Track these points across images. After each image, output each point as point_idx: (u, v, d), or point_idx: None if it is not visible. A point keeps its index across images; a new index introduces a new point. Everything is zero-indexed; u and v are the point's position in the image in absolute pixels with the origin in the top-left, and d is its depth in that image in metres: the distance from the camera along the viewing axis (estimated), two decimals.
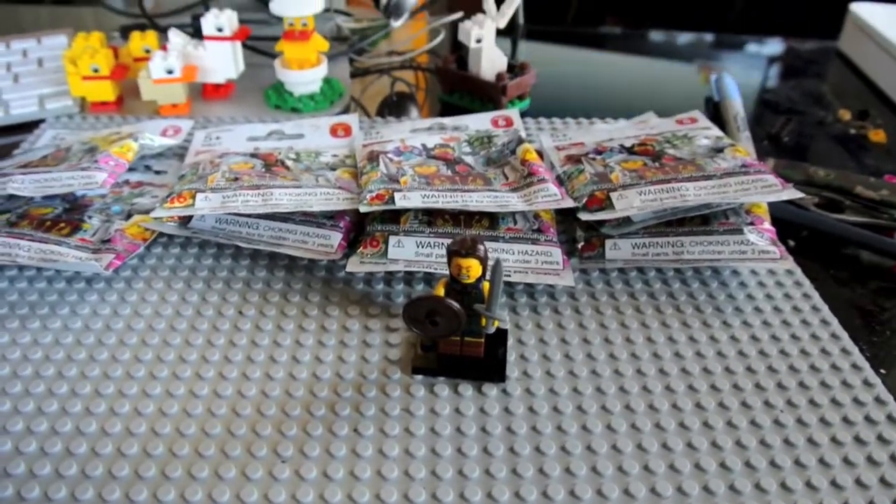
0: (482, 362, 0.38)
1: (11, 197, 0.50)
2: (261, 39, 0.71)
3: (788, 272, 0.45)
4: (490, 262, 0.35)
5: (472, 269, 0.35)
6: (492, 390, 0.37)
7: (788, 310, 0.43)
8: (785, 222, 0.48)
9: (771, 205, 0.47)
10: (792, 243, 0.49)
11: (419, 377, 0.38)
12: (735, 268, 0.46)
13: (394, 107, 0.69)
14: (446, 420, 0.36)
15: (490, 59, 0.62)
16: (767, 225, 0.44)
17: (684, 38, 0.89)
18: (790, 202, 0.49)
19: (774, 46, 0.84)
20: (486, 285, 0.36)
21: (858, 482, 0.33)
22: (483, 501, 0.32)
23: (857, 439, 0.35)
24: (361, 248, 0.44)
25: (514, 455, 0.34)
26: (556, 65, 0.79)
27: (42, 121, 0.62)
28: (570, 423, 0.36)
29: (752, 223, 0.44)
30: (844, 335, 0.41)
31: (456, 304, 0.35)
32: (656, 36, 0.90)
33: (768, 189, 0.43)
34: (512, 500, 0.32)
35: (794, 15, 0.94)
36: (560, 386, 0.37)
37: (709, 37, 0.87)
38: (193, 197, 0.45)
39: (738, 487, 0.33)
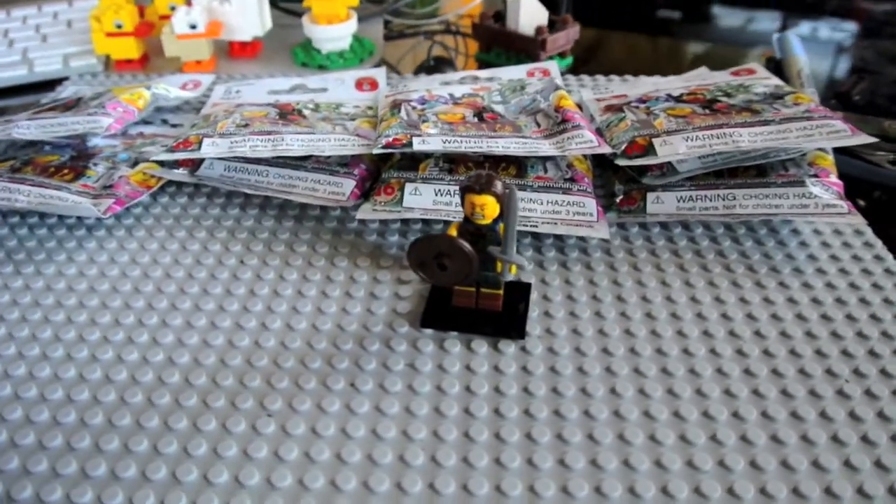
0: (500, 317, 0.34)
1: (22, 147, 0.48)
2: (292, 1, 0.69)
3: (857, 232, 0.40)
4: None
5: (488, 207, 0.31)
6: (509, 347, 0.33)
7: (857, 272, 0.37)
8: (855, 180, 0.43)
9: (840, 161, 0.42)
10: (862, 203, 0.43)
11: (429, 331, 0.34)
12: (795, 223, 0.40)
13: (431, 72, 0.65)
14: (455, 378, 0.32)
15: (529, 13, 0.57)
16: (834, 178, 0.39)
17: (747, 16, 0.82)
18: (861, 158, 0.44)
19: (848, 30, 0.77)
20: (503, 228, 0.32)
21: None
22: (490, 467, 0.28)
23: None
24: (375, 195, 0.40)
25: (530, 418, 0.30)
26: (609, 43, 0.74)
27: (66, 79, 0.60)
28: (596, 385, 0.31)
29: (815, 175, 0.38)
30: None
31: (467, 245, 0.31)
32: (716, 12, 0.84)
33: (836, 135, 0.38)
34: (524, 467, 0.28)
35: None
36: (587, 346, 0.33)
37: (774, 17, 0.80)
38: (200, 142, 0.42)
39: (791, 464, 0.28)
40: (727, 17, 0.82)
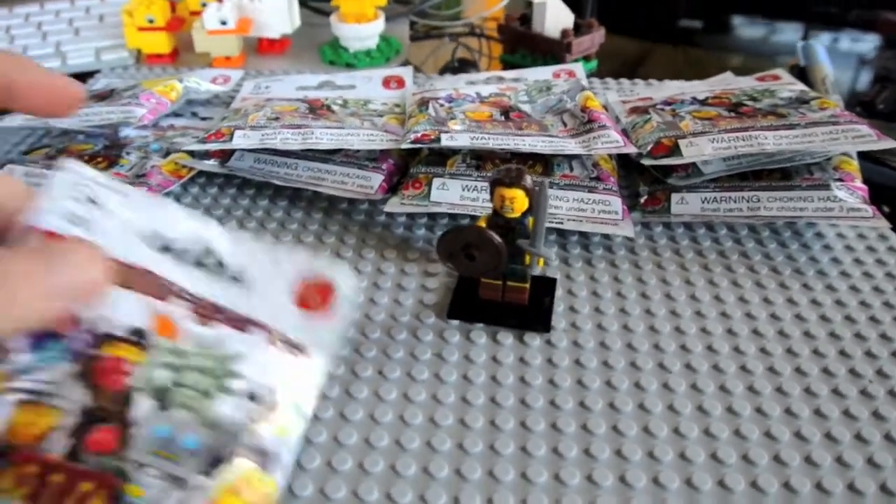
0: (526, 310, 0.34)
1: (57, 136, 0.49)
2: (322, 0, 0.70)
3: (882, 237, 0.40)
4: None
5: (517, 200, 0.31)
6: (535, 340, 0.33)
7: (881, 276, 0.37)
8: (880, 187, 0.43)
9: (865, 168, 0.42)
10: (887, 209, 0.43)
11: (455, 323, 0.34)
12: (819, 227, 0.40)
13: (456, 73, 0.66)
14: (481, 368, 0.32)
15: (555, 16, 0.58)
16: (859, 183, 0.39)
17: (767, 29, 0.82)
18: (887, 165, 0.44)
19: (870, 42, 0.77)
20: (532, 222, 0.32)
21: None
22: (516, 455, 0.28)
23: None
24: (403, 189, 0.41)
25: (555, 409, 0.30)
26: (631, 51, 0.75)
27: (98, 72, 0.61)
28: (621, 378, 0.31)
29: (840, 179, 0.39)
30: None
31: (497, 237, 0.31)
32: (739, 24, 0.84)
33: (861, 139, 0.38)
34: (549, 456, 0.28)
35: None
36: (612, 340, 0.33)
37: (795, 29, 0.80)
38: (231, 134, 0.43)
39: (815, 460, 0.28)
40: (749, 28, 0.82)
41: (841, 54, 0.73)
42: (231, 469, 0.23)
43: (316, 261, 0.28)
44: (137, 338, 0.25)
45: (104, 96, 0.49)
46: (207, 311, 0.26)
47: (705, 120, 0.42)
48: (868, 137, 0.38)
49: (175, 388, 0.24)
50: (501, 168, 0.32)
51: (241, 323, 0.26)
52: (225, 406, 0.24)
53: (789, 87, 0.46)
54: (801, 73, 0.57)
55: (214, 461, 0.23)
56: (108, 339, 0.24)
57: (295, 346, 0.26)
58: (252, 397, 0.25)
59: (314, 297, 0.27)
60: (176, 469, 0.22)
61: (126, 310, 0.25)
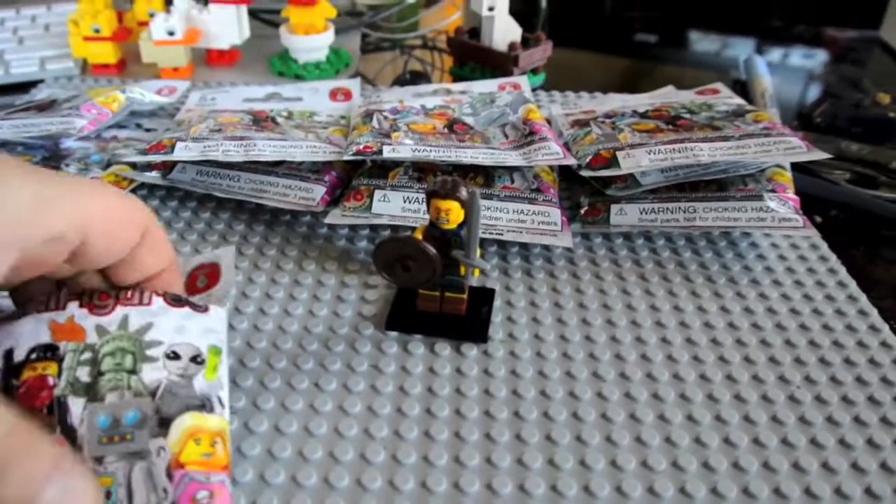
0: (464, 320, 0.35)
1: None
2: (271, 12, 0.70)
3: (813, 246, 0.41)
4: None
5: (453, 212, 0.31)
6: (472, 350, 0.34)
7: (811, 284, 0.38)
8: (813, 198, 0.44)
9: (798, 179, 0.43)
10: (819, 220, 0.44)
11: (393, 334, 0.34)
12: (752, 237, 0.41)
13: (406, 86, 0.66)
14: (417, 379, 0.32)
15: (503, 29, 0.59)
16: (791, 194, 0.40)
17: (718, 42, 0.83)
18: (819, 176, 0.45)
19: (817, 58, 0.79)
20: (466, 231, 0.33)
21: (884, 466, 0.29)
22: (450, 466, 0.28)
23: (885, 420, 0.31)
24: (344, 201, 0.41)
25: (490, 419, 0.30)
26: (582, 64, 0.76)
27: (41, 81, 0.60)
28: (555, 388, 0.32)
29: (773, 190, 0.40)
30: (874, 312, 0.37)
31: (431, 248, 0.31)
32: (692, 37, 0.85)
33: (792, 151, 0.39)
34: (483, 465, 0.28)
35: (835, 4, 0.88)
36: (548, 350, 0.34)
37: (744, 43, 0.82)
38: (173, 145, 0.43)
39: (742, 465, 0.28)
40: (703, 42, 0.84)
41: (790, 69, 0.75)
42: (181, 422, 0.24)
43: (202, 254, 0.34)
44: (49, 352, 0.25)
45: (44, 107, 0.48)
46: (100, 299, 0.27)
47: (643, 132, 0.42)
48: (798, 149, 0.39)
49: (98, 378, 0.25)
50: (437, 180, 0.32)
51: (134, 296, 0.27)
52: (151, 373, 0.25)
53: (727, 100, 0.47)
54: (743, 87, 0.58)
55: (162, 422, 0.24)
56: (22, 365, 0.25)
57: (196, 305, 0.28)
58: (172, 356, 0.26)
59: (203, 278, 0.32)
60: (130, 446, 0.23)
61: (27, 333, 0.26)
